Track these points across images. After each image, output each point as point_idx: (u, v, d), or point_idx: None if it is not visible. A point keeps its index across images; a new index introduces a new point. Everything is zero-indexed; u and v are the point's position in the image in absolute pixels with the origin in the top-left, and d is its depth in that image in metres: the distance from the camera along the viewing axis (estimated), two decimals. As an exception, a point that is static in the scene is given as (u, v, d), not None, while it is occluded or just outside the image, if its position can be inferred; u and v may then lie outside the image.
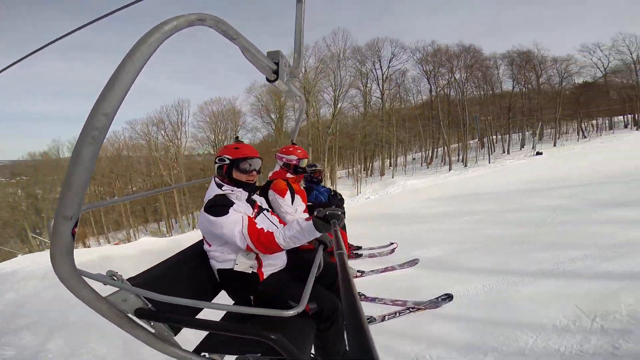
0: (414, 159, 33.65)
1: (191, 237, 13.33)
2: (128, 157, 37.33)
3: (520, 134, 31.96)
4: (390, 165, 31.77)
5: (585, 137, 29.96)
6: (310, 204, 3.28)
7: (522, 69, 30.95)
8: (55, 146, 39.13)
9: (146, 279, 1.55)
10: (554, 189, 11.15)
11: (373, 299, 3.24)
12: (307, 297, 1.28)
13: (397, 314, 3.01)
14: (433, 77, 29.99)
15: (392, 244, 4.85)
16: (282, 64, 1.55)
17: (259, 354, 1.49)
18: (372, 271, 4.01)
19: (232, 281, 1.88)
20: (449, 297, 3.11)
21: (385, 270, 4.05)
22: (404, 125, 30.44)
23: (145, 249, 11.38)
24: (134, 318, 1.32)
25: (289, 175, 2.92)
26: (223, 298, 1.98)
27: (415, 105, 31.35)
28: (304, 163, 2.99)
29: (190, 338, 1.60)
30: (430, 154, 32.15)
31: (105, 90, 0.79)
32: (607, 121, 32.74)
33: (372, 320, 2.93)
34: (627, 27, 44.88)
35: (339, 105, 28.79)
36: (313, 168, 3.83)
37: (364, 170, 30.38)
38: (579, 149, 22.60)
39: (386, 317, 2.99)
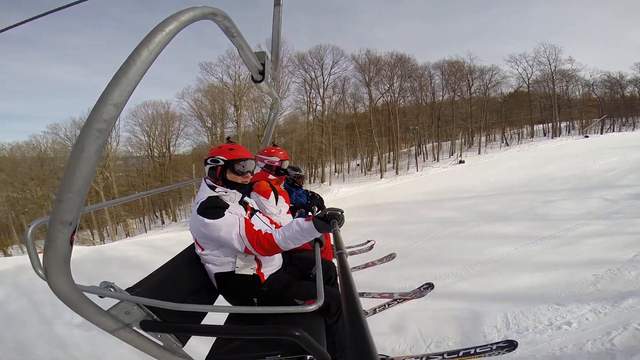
0: (358, 165, 34.21)
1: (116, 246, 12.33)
2: (53, 160, 34.05)
3: (450, 142, 33.35)
4: (335, 172, 32.02)
5: (507, 145, 32.19)
6: (291, 205, 3.29)
7: (452, 77, 32.52)
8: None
9: (147, 288, 1.44)
10: (452, 200, 12.01)
11: (361, 294, 3.24)
12: (322, 290, 1.25)
13: (387, 306, 3.14)
14: (373, 85, 30.69)
15: (369, 241, 4.88)
16: (267, 65, 1.57)
17: (279, 355, 1.44)
18: (354, 268, 4.05)
19: (233, 284, 1.82)
20: (430, 286, 3.24)
21: (366, 266, 4.17)
22: (341, 134, 30.67)
23: (74, 258, 10.27)
24: (140, 331, 1.24)
25: (270, 177, 2.92)
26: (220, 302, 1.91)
27: (356, 114, 31.87)
28: (285, 165, 3.02)
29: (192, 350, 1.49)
30: (369, 161, 32.84)
31: (116, 77, 0.73)
32: (529, 129, 35.20)
33: (365, 313, 2.66)
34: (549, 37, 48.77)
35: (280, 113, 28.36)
36: (297, 173, 3.81)
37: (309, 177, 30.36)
38: (497, 158, 24.27)
39: (377, 310, 3.12)
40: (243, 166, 1.85)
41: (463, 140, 32.00)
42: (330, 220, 1.60)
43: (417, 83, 31.90)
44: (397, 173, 27.54)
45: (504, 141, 33.19)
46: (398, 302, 3.15)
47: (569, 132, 33.74)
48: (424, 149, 32.00)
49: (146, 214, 35.15)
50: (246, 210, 1.91)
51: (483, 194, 12.24)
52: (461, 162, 25.41)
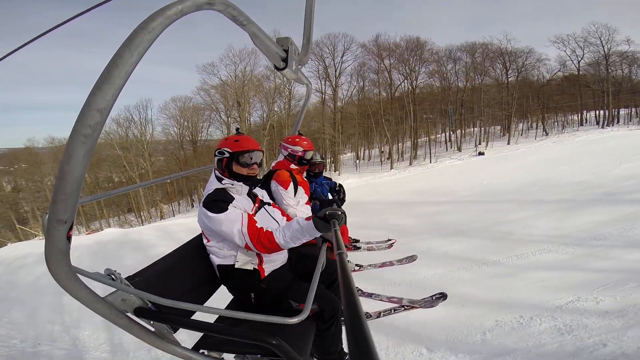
0: (382, 152, 32.97)
1: (141, 230, 14.01)
2: (95, 153, 37.62)
3: (476, 128, 30.30)
4: (357, 159, 31.00)
5: (547, 134, 28.44)
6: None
7: (486, 60, 29.02)
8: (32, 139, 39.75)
9: (146, 277, 1.51)
10: (423, 205, 11.27)
11: (370, 295, 3.22)
12: (310, 302, 1.24)
13: (393, 311, 2.99)
14: (384, 73, 28.68)
15: (389, 240, 4.63)
16: (292, 51, 1.50)
17: (259, 355, 1.51)
18: (370, 265, 3.97)
19: (233, 278, 1.86)
20: (443, 296, 3.05)
21: (383, 265, 4.00)
22: (353, 122, 29.35)
23: (101, 240, 12.90)
24: (134, 317, 1.29)
25: (292, 166, 2.84)
26: (223, 291, 1.98)
27: (371, 100, 29.96)
28: (309, 155, 2.91)
29: (183, 336, 1.59)
30: (388, 150, 30.96)
31: (99, 83, 0.72)
32: (579, 117, 30.79)
33: (368, 316, 2.92)
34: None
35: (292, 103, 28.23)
36: (309, 161, 3.55)
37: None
38: (523, 150, 21.69)
39: (382, 314, 3.00)
40: (250, 158, 1.81)
41: (486, 129, 28.79)
42: (330, 220, 1.57)
43: (441, 67, 29.10)
44: (410, 164, 26.00)
45: (544, 130, 29.33)
46: (405, 309, 2.98)
47: (629, 120, 28.80)
48: (448, 136, 29.62)
49: (174, 199, 37.70)
50: (254, 203, 1.90)
51: (460, 199, 11.13)
52: (480, 153, 23.14)
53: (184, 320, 1.38)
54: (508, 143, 27.16)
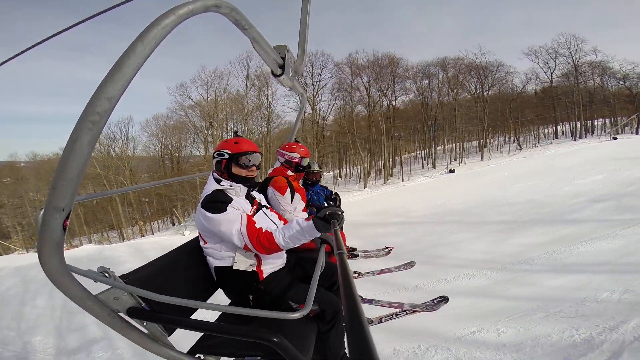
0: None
1: (116, 247, 13.96)
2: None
3: (449, 145, 30.43)
4: (339, 177, 31.15)
5: (520, 148, 28.63)
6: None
7: (464, 75, 29.36)
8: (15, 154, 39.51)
9: (140, 277, 1.47)
10: (376, 226, 10.95)
11: (370, 301, 3.25)
12: (312, 299, 1.22)
13: (394, 316, 3.00)
14: (369, 89, 28.79)
15: (387, 247, 4.75)
16: (288, 59, 1.53)
17: (259, 357, 1.47)
18: (368, 272, 3.98)
19: (231, 280, 1.84)
20: (444, 300, 3.09)
21: (382, 272, 4.02)
22: (330, 141, 29.58)
23: (76, 256, 12.59)
24: (126, 317, 1.27)
25: (289, 173, 2.89)
26: (219, 296, 1.95)
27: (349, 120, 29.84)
28: (305, 162, 2.96)
29: (178, 339, 1.57)
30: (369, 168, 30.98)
31: (111, 72, 0.75)
32: (553, 129, 31.10)
33: (369, 321, 2.90)
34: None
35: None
36: (307, 169, 3.54)
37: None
38: (492, 167, 21.61)
39: (383, 319, 3.00)
40: (249, 160, 1.84)
41: (461, 144, 28.97)
42: (330, 220, 1.57)
43: (416, 83, 29.44)
44: (384, 182, 25.97)
45: (518, 144, 29.49)
46: (407, 313, 3.00)
47: (603, 131, 29.03)
48: (426, 153, 29.66)
49: (154, 219, 37.36)
50: (252, 205, 1.91)
51: (412, 220, 11.21)
52: (451, 171, 23.22)
53: (179, 319, 1.33)
54: (481, 159, 27.27)
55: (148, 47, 0.77)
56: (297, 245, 1.73)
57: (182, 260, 1.82)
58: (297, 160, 2.90)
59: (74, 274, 1.06)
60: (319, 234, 1.65)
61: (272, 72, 1.56)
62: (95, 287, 1.18)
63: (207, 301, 1.84)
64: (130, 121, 35.81)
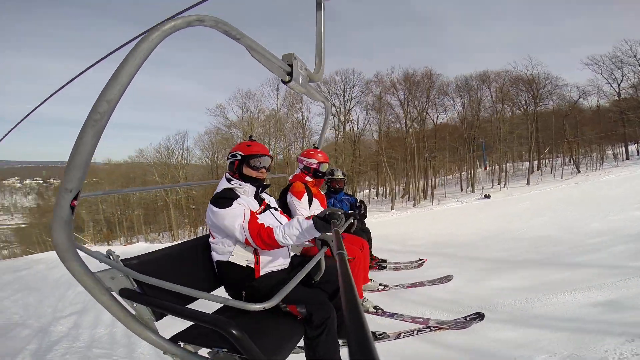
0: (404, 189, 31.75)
1: (160, 246, 15.63)
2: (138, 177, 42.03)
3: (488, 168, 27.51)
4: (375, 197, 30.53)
5: (578, 171, 25.04)
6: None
7: (510, 88, 26.70)
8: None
9: (141, 262, 1.63)
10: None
11: (392, 315, 3.01)
12: (282, 295, 1.28)
13: (415, 332, 2.74)
14: (406, 105, 27.73)
15: (421, 259, 4.58)
16: (297, 66, 1.62)
17: (225, 350, 1.47)
18: (397, 286, 3.72)
19: (228, 274, 1.91)
20: (479, 317, 2.79)
21: (413, 285, 3.75)
22: (361, 161, 28.90)
23: (128, 251, 14.41)
24: (117, 297, 1.38)
25: (308, 178, 2.97)
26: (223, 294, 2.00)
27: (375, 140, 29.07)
28: (324, 167, 3.02)
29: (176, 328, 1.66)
30: (404, 188, 29.66)
31: (110, 80, 0.91)
32: (621, 149, 26.44)
33: (384, 336, 2.70)
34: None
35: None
36: (330, 177, 3.76)
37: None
38: (531, 194, 19.37)
39: (401, 335, 2.72)
40: (260, 162, 1.95)
41: (504, 166, 26.36)
42: (330, 220, 1.60)
43: (455, 99, 27.66)
44: (414, 205, 24.77)
45: (576, 166, 25.74)
46: (431, 330, 2.70)
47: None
48: (467, 175, 27.68)
49: (202, 223, 40.14)
50: (260, 205, 2.00)
51: (406, 249, 10.25)
52: (486, 196, 21.28)
53: (162, 303, 1.41)
54: (527, 183, 24.56)
55: (138, 59, 0.91)
56: (295, 243, 1.76)
57: (187, 252, 1.93)
58: (315, 166, 2.94)
59: (86, 253, 1.33)
60: (318, 234, 1.66)
61: (282, 80, 1.62)
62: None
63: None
64: (186, 135, 39.38)
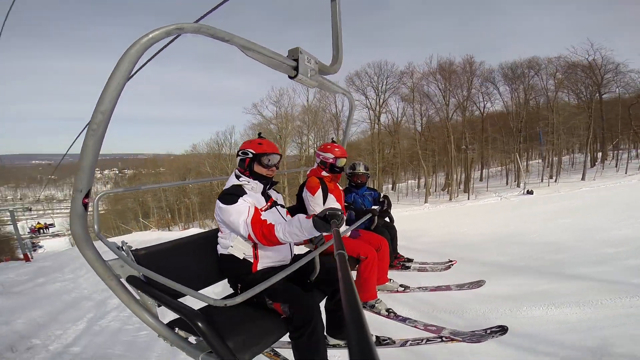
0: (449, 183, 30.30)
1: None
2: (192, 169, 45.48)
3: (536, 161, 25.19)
4: (413, 188, 29.72)
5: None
6: (345, 204, 3.25)
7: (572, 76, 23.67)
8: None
9: (150, 252, 1.78)
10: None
11: (404, 320, 2.80)
12: (255, 291, 1.26)
13: (424, 341, 2.50)
14: (447, 95, 26.07)
15: (450, 261, 4.23)
16: (304, 60, 1.60)
17: (201, 339, 1.51)
18: (420, 288, 3.48)
19: (228, 266, 1.96)
20: (502, 330, 2.45)
21: (438, 289, 3.49)
22: (395, 152, 27.86)
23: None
24: (125, 283, 1.52)
25: (324, 173, 2.90)
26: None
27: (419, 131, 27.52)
28: (341, 162, 2.92)
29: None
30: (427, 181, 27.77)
31: (101, 93, 1.01)
32: None
33: (389, 342, 2.52)
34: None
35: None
36: (351, 171, 3.60)
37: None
38: (579, 192, 17.47)
39: (408, 343, 2.50)
40: (269, 160, 1.98)
41: (558, 159, 23.68)
42: (330, 220, 1.59)
43: (497, 89, 25.43)
44: (450, 199, 23.62)
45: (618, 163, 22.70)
46: (443, 341, 2.44)
47: None
48: (512, 167, 25.56)
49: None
50: (267, 202, 2.03)
51: (415, 245, 10.42)
52: (529, 192, 19.57)
53: (155, 292, 1.50)
54: (582, 178, 21.94)
55: (124, 71, 0.98)
56: (295, 241, 1.82)
57: (196, 245, 2.03)
58: (331, 160, 2.87)
59: (104, 243, 1.55)
60: (317, 233, 1.66)
61: (288, 75, 1.61)
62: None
63: (207, 288, 2.00)
64: (233, 130, 41.79)
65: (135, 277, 1.52)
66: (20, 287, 9.90)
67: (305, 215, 1.70)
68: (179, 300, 1.53)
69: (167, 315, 1.64)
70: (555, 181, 22.43)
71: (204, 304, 1.42)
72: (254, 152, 1.97)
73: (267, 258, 1.94)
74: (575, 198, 14.74)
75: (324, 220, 1.60)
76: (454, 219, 14.29)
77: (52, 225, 49.00)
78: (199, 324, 1.34)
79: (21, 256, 15.88)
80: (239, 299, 1.23)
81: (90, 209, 1.33)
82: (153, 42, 1.00)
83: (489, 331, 2.48)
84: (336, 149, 2.89)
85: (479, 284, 3.50)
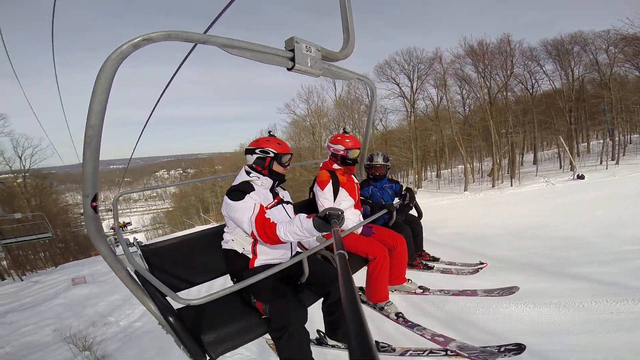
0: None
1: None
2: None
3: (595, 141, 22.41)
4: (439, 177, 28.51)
5: None
6: (362, 198, 3.10)
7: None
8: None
9: (156, 247, 1.94)
10: None
11: (412, 326, 2.57)
12: (211, 297, 1.25)
13: (426, 353, 2.28)
14: (486, 77, 24.55)
15: (481, 263, 3.74)
16: (301, 49, 1.53)
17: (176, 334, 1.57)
18: (441, 291, 3.18)
19: (228, 259, 2.02)
20: (518, 349, 2.13)
21: (462, 293, 3.13)
22: (432, 139, 26.96)
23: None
24: (133, 275, 1.61)
25: (335, 166, 2.76)
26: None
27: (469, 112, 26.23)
28: (353, 154, 2.74)
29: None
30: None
31: (88, 110, 1.07)
32: None
33: (388, 349, 2.38)
34: None
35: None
36: (369, 163, 3.34)
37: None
38: (626, 177, 15.71)
39: (408, 353, 2.32)
40: (287, 159, 2.08)
41: (617, 140, 20.82)
42: (330, 220, 1.59)
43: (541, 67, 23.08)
44: (493, 185, 22.29)
45: None
46: (447, 355, 2.22)
47: None
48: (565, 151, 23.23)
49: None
50: (274, 199, 2.07)
51: (431, 237, 10.61)
52: (579, 177, 17.80)
53: (150, 287, 1.58)
54: None
55: (103, 88, 1.06)
56: (296, 241, 1.85)
57: (201, 240, 2.12)
58: (342, 152, 2.72)
59: (118, 240, 1.74)
60: (318, 234, 1.66)
61: (286, 67, 1.55)
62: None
63: (219, 279, 2.13)
64: (275, 128, 43.30)
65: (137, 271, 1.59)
66: (105, 277, 12.34)
67: (306, 215, 1.70)
68: (178, 293, 1.55)
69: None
70: (617, 163, 20.04)
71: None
72: (275, 151, 2.01)
73: (265, 255, 1.96)
74: (627, 184, 13.34)
75: (324, 220, 1.59)
76: (479, 209, 13.87)
77: (129, 223, 55.96)
78: (170, 319, 1.44)
79: None
80: (202, 300, 1.23)
81: (109, 208, 1.85)
82: (124, 57, 1.04)
83: (502, 349, 2.17)
84: (347, 140, 2.73)
85: (511, 290, 3.01)
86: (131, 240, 1.86)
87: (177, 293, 1.32)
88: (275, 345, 1.73)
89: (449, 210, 15.04)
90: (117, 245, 12.46)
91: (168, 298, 1.37)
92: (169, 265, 1.80)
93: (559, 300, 5.22)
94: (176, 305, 1.41)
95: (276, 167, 2.04)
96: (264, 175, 2.01)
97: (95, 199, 1.25)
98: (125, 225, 52.63)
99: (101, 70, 1.02)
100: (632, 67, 20.95)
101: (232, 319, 1.73)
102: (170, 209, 66.43)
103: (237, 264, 1.97)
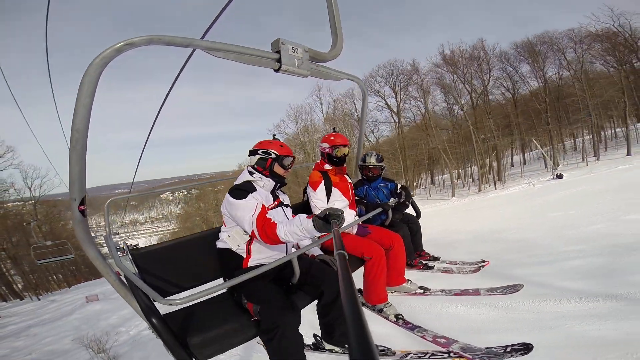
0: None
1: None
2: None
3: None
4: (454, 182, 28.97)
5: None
6: (357, 199, 3.09)
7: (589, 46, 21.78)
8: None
9: (147, 251, 1.93)
10: None
11: (413, 328, 2.49)
12: (194, 300, 1.25)
13: (428, 356, 2.15)
14: (466, 82, 25.34)
15: (483, 261, 3.75)
16: (287, 50, 1.53)
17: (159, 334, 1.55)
18: (443, 291, 3.12)
19: (222, 260, 2.01)
20: (525, 348, 2.04)
21: (464, 293, 3.07)
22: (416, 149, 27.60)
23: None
24: (123, 278, 1.61)
25: (327, 166, 2.73)
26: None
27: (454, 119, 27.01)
28: (339, 152, 2.69)
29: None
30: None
31: (73, 115, 1.09)
32: None
33: (387, 353, 2.28)
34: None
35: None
36: (362, 164, 3.34)
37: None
38: (615, 171, 16.12)
39: (409, 356, 2.22)
40: (288, 162, 2.09)
41: (595, 136, 21.34)
42: (330, 220, 1.58)
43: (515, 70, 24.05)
44: (479, 190, 22.79)
45: None
46: (451, 357, 2.14)
47: None
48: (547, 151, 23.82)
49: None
50: (274, 201, 2.07)
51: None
52: (558, 176, 18.30)
53: (137, 291, 1.56)
54: (628, 153, 19.88)
55: (87, 92, 1.06)
56: (296, 241, 1.84)
57: (195, 244, 2.12)
58: (327, 150, 2.70)
59: (108, 244, 1.71)
60: (318, 234, 1.66)
61: (273, 69, 1.54)
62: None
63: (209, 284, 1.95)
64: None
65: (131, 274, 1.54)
66: (116, 294, 13.08)
67: (306, 215, 1.69)
68: (171, 297, 1.63)
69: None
70: (598, 159, 20.52)
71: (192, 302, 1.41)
72: (277, 153, 2.04)
73: (258, 254, 1.94)
74: (600, 181, 13.75)
75: (324, 221, 1.59)
76: (460, 215, 14.36)
77: (136, 245, 56.67)
78: (153, 321, 1.43)
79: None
80: (184, 301, 1.23)
81: (103, 211, 1.78)
82: (107, 61, 1.05)
83: (508, 349, 2.10)
84: (332, 138, 2.69)
85: (515, 288, 3.01)
86: (121, 245, 1.90)
87: (168, 297, 1.34)
88: (266, 348, 1.70)
89: (432, 217, 15.49)
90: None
91: (155, 301, 1.39)
92: (160, 269, 1.82)
93: (491, 301, 5.62)
94: (167, 308, 1.45)
95: (277, 169, 2.06)
96: (265, 176, 2.03)
97: (83, 202, 1.26)
98: (133, 247, 53.50)
99: (85, 75, 1.04)
100: (600, 63, 21.61)
101: (222, 321, 1.71)
102: (176, 230, 67.18)
103: (231, 264, 1.96)
